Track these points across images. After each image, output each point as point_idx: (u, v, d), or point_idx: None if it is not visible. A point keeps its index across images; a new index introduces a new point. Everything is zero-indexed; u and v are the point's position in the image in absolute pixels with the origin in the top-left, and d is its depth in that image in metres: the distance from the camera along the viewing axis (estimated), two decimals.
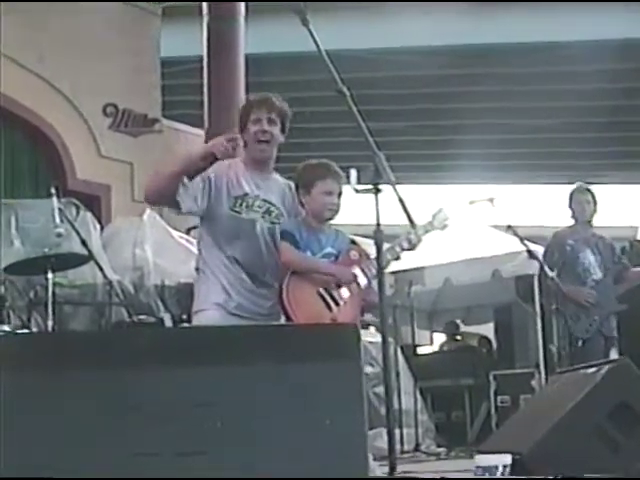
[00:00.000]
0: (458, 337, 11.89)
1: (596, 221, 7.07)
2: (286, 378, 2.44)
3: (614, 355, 6.64)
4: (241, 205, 4.18)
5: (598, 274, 6.85)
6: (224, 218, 4.17)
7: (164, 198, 4.13)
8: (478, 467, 3.68)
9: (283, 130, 4.29)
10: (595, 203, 7.00)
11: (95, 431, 2.40)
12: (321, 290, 4.18)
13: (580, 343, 6.72)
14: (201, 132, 12.28)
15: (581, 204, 6.97)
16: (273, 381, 2.43)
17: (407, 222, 3.47)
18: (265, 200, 4.25)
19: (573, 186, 7.09)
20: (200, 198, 4.11)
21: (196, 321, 4.26)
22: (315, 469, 2.45)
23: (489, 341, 11.68)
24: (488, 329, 12.03)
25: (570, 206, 7.01)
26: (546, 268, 6.70)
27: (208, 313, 4.16)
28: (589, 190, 7.07)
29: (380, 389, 7.47)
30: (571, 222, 7.07)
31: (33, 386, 2.43)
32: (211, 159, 4.13)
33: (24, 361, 2.47)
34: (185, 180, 4.07)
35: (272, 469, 2.44)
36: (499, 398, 9.27)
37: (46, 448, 2.41)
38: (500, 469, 3.62)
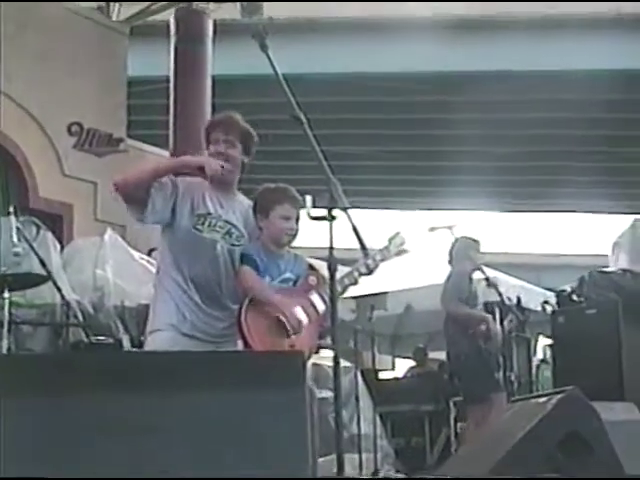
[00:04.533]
0: (424, 363, 11.89)
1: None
2: (229, 405, 2.43)
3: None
4: (203, 224, 4.17)
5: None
6: (185, 235, 4.17)
7: (137, 193, 4.06)
8: None
9: (245, 151, 4.29)
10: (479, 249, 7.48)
11: (41, 455, 2.38)
12: (279, 316, 4.17)
13: (496, 375, 7.02)
14: (166, 153, 12.27)
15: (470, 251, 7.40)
16: (216, 408, 2.42)
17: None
18: (227, 221, 4.25)
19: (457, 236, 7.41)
20: (164, 205, 4.11)
21: (150, 341, 4.25)
22: None
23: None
24: None
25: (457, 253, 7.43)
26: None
27: (161, 334, 4.15)
28: (475, 240, 7.51)
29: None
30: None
31: None
32: (200, 173, 4.14)
33: None
34: (156, 183, 4.07)
35: None
36: (459, 425, 9.28)
37: None
38: None
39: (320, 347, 6.85)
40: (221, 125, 4.29)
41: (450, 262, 7.42)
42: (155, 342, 4.18)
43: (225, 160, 4.21)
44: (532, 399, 4.50)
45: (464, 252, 7.30)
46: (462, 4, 14.29)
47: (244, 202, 4.38)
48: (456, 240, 7.31)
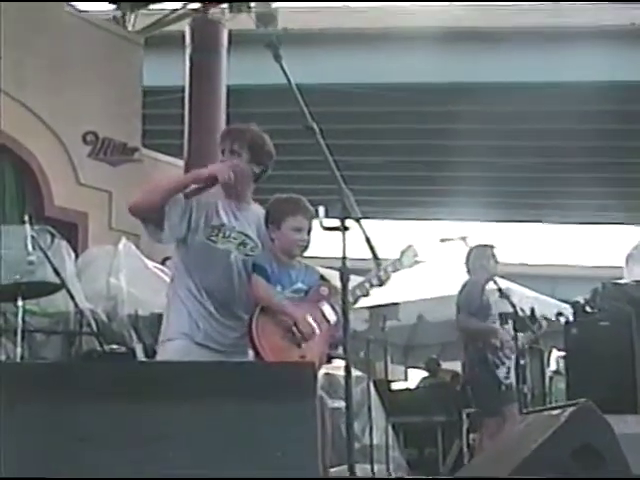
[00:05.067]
0: (436, 373, 11.88)
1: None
2: (240, 416, 2.44)
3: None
4: (217, 235, 4.17)
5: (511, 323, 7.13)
6: (199, 246, 4.16)
7: (151, 214, 4.09)
8: None
9: (254, 161, 4.27)
10: (495, 258, 7.43)
11: (47, 463, 2.39)
12: (290, 326, 4.17)
13: (504, 388, 6.91)
14: (180, 162, 12.31)
15: (486, 260, 7.36)
16: (227, 419, 2.43)
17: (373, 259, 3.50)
18: (241, 232, 4.24)
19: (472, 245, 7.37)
20: (179, 222, 4.12)
21: (162, 350, 4.26)
22: None
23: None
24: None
25: (469, 261, 7.39)
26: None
27: (174, 343, 4.16)
28: (491, 247, 7.47)
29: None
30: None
31: None
32: (213, 182, 4.13)
33: None
34: (170, 200, 4.08)
35: None
36: (471, 436, 9.26)
37: None
38: None
39: (332, 357, 6.86)
40: (227, 137, 4.29)
41: (468, 272, 7.41)
42: (167, 351, 4.18)
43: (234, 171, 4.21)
44: (545, 411, 4.48)
45: (479, 262, 7.29)
46: (472, 16, 14.32)
47: (258, 212, 4.37)
48: (471, 250, 7.30)
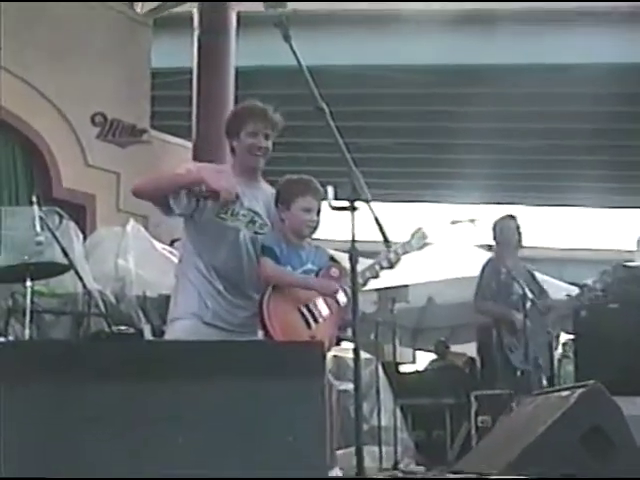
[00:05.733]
0: (445, 356, 11.87)
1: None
2: (248, 395, 2.44)
3: (544, 382, 6.89)
4: (226, 212, 4.17)
5: (527, 304, 6.94)
6: (208, 224, 4.17)
7: (156, 198, 4.13)
8: None
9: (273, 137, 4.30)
10: (519, 229, 7.27)
11: (53, 443, 2.39)
12: (301, 306, 4.17)
13: (519, 373, 6.83)
14: (189, 144, 12.29)
15: (506, 231, 7.22)
16: (235, 397, 2.43)
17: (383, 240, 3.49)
18: (250, 209, 4.24)
19: (497, 216, 7.28)
20: (188, 202, 4.13)
21: (170, 329, 4.27)
22: None
23: (472, 360, 11.67)
24: (472, 348, 12.02)
25: (496, 235, 7.24)
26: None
27: (183, 322, 4.18)
28: (513, 217, 7.31)
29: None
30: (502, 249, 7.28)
31: None
32: (214, 195, 4.11)
33: None
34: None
35: None
36: (479, 418, 9.24)
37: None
38: None
39: (341, 339, 6.85)
40: (261, 118, 4.24)
41: (497, 245, 7.31)
42: (175, 330, 4.20)
43: (264, 152, 4.24)
44: (554, 393, 4.47)
45: (503, 237, 7.19)
46: None
47: (267, 190, 4.38)
48: (495, 223, 7.21)
